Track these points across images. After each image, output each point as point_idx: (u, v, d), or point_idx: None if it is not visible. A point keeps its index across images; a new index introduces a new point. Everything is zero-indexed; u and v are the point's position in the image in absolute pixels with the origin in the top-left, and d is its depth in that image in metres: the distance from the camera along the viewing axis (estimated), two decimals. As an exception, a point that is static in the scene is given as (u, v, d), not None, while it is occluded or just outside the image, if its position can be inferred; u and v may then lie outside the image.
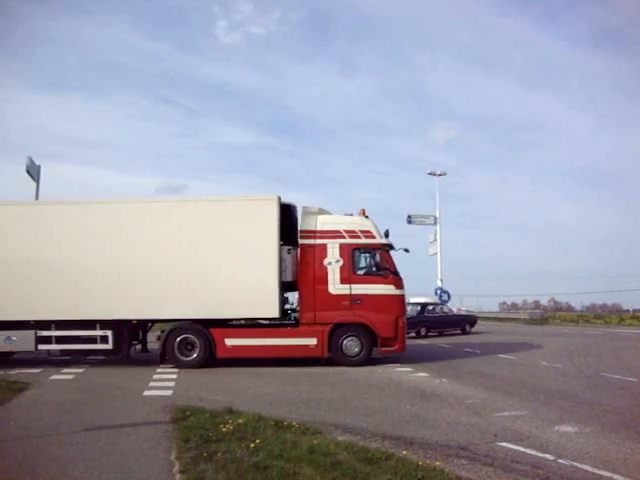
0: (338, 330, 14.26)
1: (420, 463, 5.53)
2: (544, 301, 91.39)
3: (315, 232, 14.53)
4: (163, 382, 11.73)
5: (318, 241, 14.46)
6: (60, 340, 14.18)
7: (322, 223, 14.61)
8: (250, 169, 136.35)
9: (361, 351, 14.26)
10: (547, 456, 6.05)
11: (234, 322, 15.16)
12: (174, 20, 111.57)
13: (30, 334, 14.17)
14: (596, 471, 5.52)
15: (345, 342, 14.24)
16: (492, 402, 9.36)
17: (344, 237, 14.47)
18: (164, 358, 14.25)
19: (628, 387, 10.82)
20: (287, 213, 14.54)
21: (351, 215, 15.14)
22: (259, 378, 12.56)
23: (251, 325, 14.78)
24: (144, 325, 15.15)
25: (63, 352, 14.58)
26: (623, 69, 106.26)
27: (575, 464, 5.75)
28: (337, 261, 14.33)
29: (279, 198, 14.28)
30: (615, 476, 5.36)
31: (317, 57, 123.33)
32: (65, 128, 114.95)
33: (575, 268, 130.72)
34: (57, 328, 14.14)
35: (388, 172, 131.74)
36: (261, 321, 15.57)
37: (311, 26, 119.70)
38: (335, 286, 14.28)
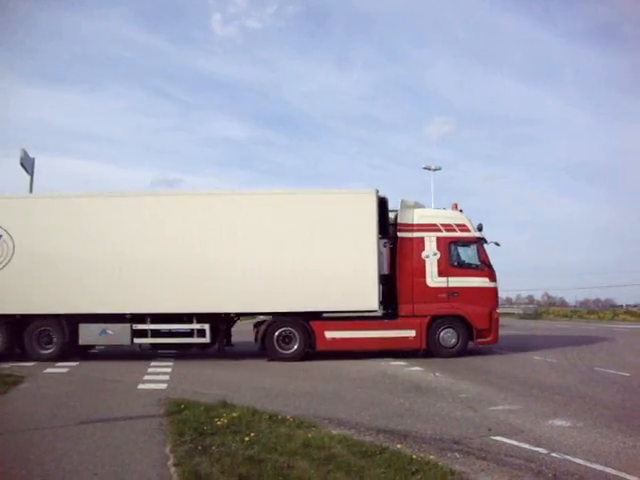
0: (435, 322, 14.56)
1: (414, 457, 5.55)
2: (538, 296, 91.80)
3: (412, 225, 14.85)
4: (157, 375, 11.71)
5: (415, 234, 14.80)
6: (155, 334, 14.22)
7: (419, 216, 14.95)
8: (246, 163, 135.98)
9: (457, 342, 14.63)
10: (540, 450, 6.08)
11: (324, 315, 15.09)
12: (170, 13, 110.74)
13: (126, 327, 14.12)
14: (588, 464, 5.55)
15: (442, 334, 14.61)
16: (486, 396, 9.40)
17: (441, 230, 14.83)
18: (264, 350, 14.39)
19: (621, 382, 10.88)
20: (381, 206, 14.65)
21: (444, 209, 15.55)
22: (253, 372, 12.59)
23: (349, 317, 14.96)
24: (231, 318, 15.22)
25: (153, 345, 14.64)
26: (620, 65, 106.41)
27: (568, 458, 5.78)
28: (434, 254, 14.69)
29: (377, 191, 14.42)
30: (607, 469, 5.39)
31: (313, 51, 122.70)
32: (62, 121, 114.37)
33: (569, 264, 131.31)
34: (152, 321, 14.16)
35: (385, 167, 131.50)
36: (348, 314, 15.49)
37: (307, 20, 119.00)
38: (433, 279, 14.65)
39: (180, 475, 4.98)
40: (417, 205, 15.23)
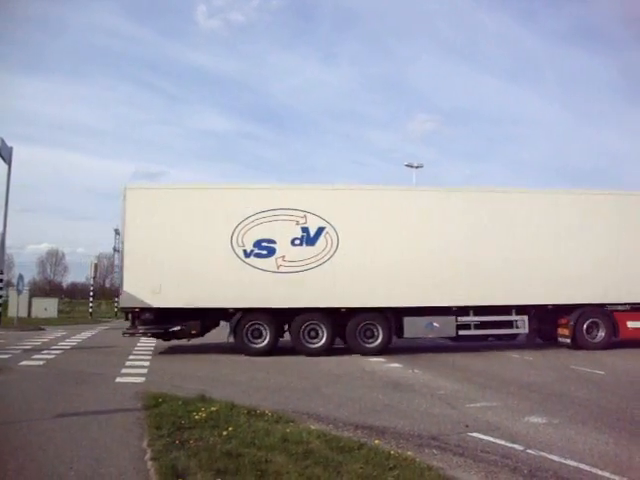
0: None
1: (392, 452, 5.57)
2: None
3: None
4: (135, 369, 11.64)
5: None
6: (478, 325, 14.90)
7: None
8: (231, 157, 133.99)
9: None
10: (516, 446, 6.15)
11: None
12: (156, 4, 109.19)
13: (451, 320, 14.77)
14: (563, 461, 5.63)
15: None
16: (464, 393, 9.49)
17: None
18: (575, 342, 15.57)
19: (596, 380, 11.04)
20: None
21: None
22: (232, 366, 12.56)
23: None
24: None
25: (455, 338, 15.28)
26: (605, 67, 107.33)
27: (543, 454, 5.86)
28: None
29: None
30: (581, 465, 5.47)
31: (299, 46, 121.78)
32: (44, 112, 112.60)
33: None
34: (474, 314, 14.81)
35: (369, 163, 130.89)
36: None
37: (292, 14, 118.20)
38: None
39: (157, 469, 4.94)
40: None
